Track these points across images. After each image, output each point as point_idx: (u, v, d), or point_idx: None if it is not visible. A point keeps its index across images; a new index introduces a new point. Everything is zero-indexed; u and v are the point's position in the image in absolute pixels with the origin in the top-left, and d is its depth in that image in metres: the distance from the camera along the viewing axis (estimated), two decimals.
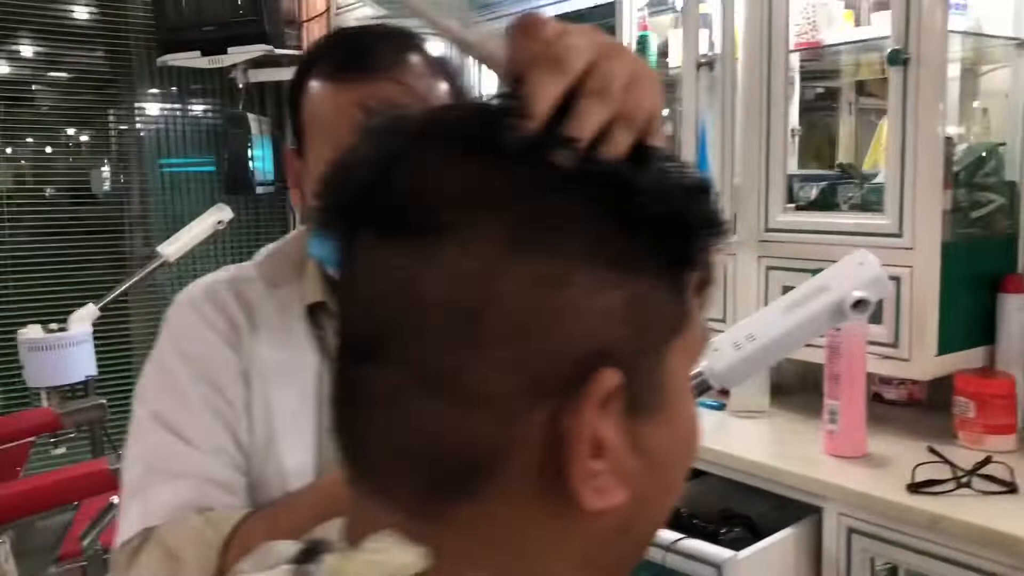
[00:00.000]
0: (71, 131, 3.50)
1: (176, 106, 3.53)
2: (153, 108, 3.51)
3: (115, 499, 1.93)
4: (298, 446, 0.98)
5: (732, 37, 2.06)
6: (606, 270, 0.43)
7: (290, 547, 0.50)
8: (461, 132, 0.45)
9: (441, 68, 0.99)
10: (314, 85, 0.98)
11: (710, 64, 2.04)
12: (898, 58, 1.73)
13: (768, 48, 1.99)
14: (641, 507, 0.47)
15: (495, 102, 0.46)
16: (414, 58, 0.98)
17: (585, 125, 0.44)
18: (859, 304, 1.49)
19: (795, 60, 2.06)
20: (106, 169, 3.51)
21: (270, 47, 3.13)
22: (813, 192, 1.98)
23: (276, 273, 1.06)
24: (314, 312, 1.04)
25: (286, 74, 3.32)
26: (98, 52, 3.39)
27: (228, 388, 0.99)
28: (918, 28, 1.72)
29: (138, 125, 3.49)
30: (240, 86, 3.24)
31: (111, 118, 3.51)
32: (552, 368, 0.42)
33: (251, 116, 3.24)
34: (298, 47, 3.35)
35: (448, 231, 0.42)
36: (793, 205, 2.02)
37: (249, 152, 3.21)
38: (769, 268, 2.03)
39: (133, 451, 0.99)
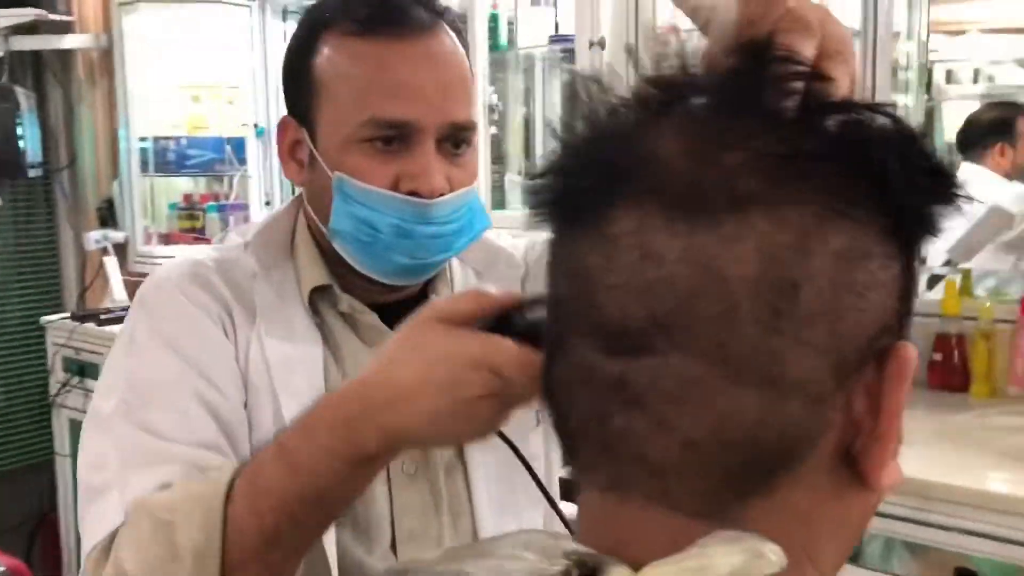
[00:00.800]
0: None
1: None
2: None
3: None
4: None
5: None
6: (889, 242, 0.41)
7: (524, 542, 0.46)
8: (729, 98, 0.41)
9: (452, 22, 0.95)
10: (335, 43, 0.90)
11: (601, 44, 2.04)
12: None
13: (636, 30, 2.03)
14: None
15: (747, 65, 0.42)
16: (437, 14, 0.93)
17: (839, 88, 0.44)
18: None
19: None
20: None
21: (40, 11, 2.79)
22: None
23: (266, 255, 0.96)
24: (313, 298, 0.96)
25: (55, 43, 2.98)
26: None
27: (223, 380, 0.89)
28: None
29: None
30: (0, 55, 2.84)
31: None
32: (855, 347, 0.41)
33: (18, 89, 2.85)
34: (68, 12, 3.00)
35: (756, 204, 0.39)
36: None
37: (19, 130, 2.82)
38: None
39: (97, 449, 0.86)
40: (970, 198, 0.43)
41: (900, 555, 1.69)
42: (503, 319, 0.67)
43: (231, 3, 2.91)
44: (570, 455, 0.46)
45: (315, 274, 0.96)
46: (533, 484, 0.96)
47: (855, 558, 1.60)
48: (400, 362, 0.69)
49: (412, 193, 0.88)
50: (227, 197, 3.05)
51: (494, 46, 2.23)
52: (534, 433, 1.01)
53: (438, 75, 0.89)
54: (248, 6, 2.93)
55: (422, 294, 0.99)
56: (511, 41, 2.34)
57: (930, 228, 0.43)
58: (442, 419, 0.68)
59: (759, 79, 0.41)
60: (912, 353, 0.42)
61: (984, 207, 2.03)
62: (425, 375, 0.67)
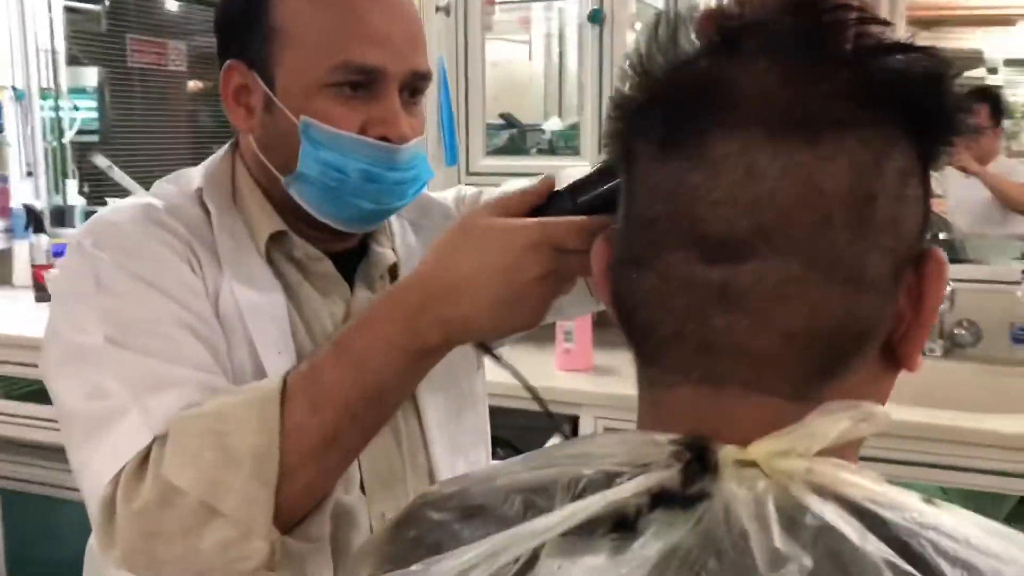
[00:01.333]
0: None
1: None
2: None
3: None
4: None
5: None
6: (919, 164, 0.49)
7: (570, 471, 0.50)
8: (814, 39, 0.47)
9: None
10: None
11: (447, 9, 2.09)
12: (596, 17, 1.98)
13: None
14: None
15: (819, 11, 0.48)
16: None
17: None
18: None
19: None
20: None
21: None
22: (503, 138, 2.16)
23: (213, 202, 0.95)
24: (267, 246, 0.95)
25: None
26: None
27: (203, 311, 0.88)
28: None
29: None
30: None
31: None
32: (906, 250, 0.48)
33: None
34: None
35: (847, 127, 0.46)
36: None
37: None
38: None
39: (90, 379, 0.83)
40: (980, 131, 0.56)
41: None
42: (545, 207, 0.75)
43: None
44: (649, 360, 0.52)
45: (268, 222, 0.95)
46: (478, 423, 1.08)
47: None
48: (459, 252, 0.73)
49: (381, 138, 0.89)
50: None
51: None
52: (476, 375, 1.09)
53: (405, 24, 0.92)
54: None
55: (362, 246, 1.01)
56: None
57: (947, 156, 0.51)
58: (501, 305, 0.72)
59: (835, 22, 0.47)
60: (944, 255, 0.50)
61: None
62: (485, 262, 0.71)
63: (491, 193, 1.06)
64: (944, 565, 0.43)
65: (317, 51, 0.89)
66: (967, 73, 3.30)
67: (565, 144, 2.05)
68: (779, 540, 0.43)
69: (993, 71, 3.28)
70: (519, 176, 2.03)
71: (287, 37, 0.90)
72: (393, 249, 1.03)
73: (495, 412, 1.14)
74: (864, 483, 0.46)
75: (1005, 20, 3.12)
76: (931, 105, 0.47)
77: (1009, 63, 3.24)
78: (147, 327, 0.84)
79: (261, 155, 0.95)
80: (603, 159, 0.66)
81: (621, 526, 0.46)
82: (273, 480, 0.74)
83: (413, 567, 0.49)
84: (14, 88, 2.67)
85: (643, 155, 0.50)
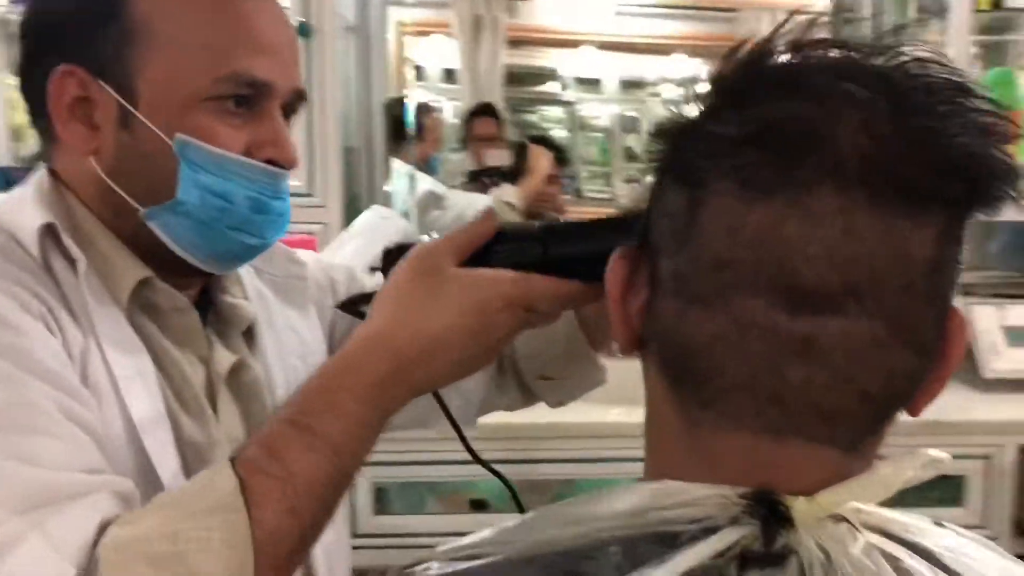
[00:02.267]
0: None
1: None
2: None
3: None
4: (168, 453, 0.75)
5: None
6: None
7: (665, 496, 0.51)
8: (921, 93, 0.47)
9: None
10: None
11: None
12: (305, 31, 1.86)
13: None
14: None
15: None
16: None
17: None
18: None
19: None
20: None
21: None
22: None
23: (59, 243, 0.76)
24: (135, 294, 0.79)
25: None
26: None
27: (75, 387, 0.70)
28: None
29: None
30: None
31: None
32: (947, 311, 0.50)
33: None
34: None
35: (936, 198, 0.47)
36: None
37: None
38: None
39: None
40: (1018, 198, 0.50)
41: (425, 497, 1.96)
42: (511, 246, 0.72)
43: None
44: (701, 404, 0.51)
45: (131, 267, 0.79)
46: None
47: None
48: (428, 309, 0.69)
49: (268, 162, 0.79)
50: None
51: None
52: None
53: (289, 36, 0.82)
54: None
55: (203, 293, 0.86)
56: None
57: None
58: (468, 364, 0.71)
59: (938, 88, 0.47)
60: (963, 313, 0.52)
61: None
62: (459, 323, 0.69)
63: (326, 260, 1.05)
64: None
65: (197, 58, 0.76)
66: (542, 88, 3.64)
67: None
68: None
69: (565, 87, 3.67)
70: None
71: (153, 39, 0.75)
72: (245, 297, 0.90)
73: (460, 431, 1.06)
74: (896, 516, 0.51)
75: (573, 43, 3.50)
76: (993, 188, 0.48)
77: (578, 81, 3.64)
78: (22, 417, 0.64)
79: (110, 182, 0.77)
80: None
81: None
82: None
83: None
84: None
85: (721, 192, 0.49)
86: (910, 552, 0.50)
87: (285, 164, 0.80)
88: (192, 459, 0.78)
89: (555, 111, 3.74)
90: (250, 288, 0.91)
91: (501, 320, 0.69)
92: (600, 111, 3.84)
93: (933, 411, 0.52)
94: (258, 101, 0.78)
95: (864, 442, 0.51)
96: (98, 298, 0.76)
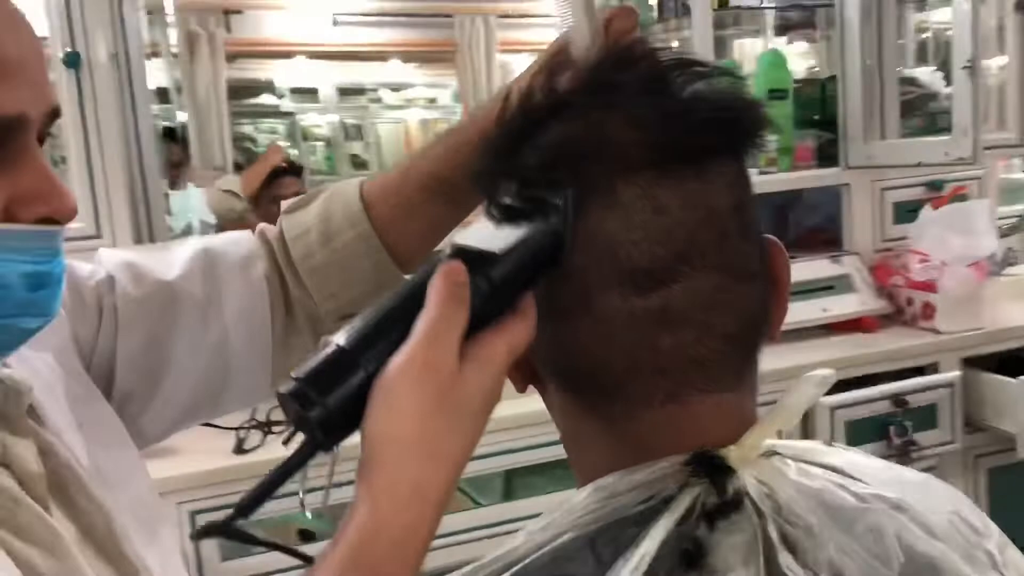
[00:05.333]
0: None
1: None
2: None
3: None
4: None
5: None
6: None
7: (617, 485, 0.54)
8: (650, 81, 0.56)
9: None
10: None
11: None
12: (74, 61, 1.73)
13: None
14: None
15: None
16: None
17: None
18: None
19: None
20: None
21: None
22: None
23: None
24: None
25: None
26: None
27: None
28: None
29: None
30: None
31: None
32: (763, 242, 0.58)
33: None
34: None
35: (715, 153, 0.55)
36: None
37: None
38: None
39: None
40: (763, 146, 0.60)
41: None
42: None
43: None
44: (605, 399, 0.56)
45: None
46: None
47: None
48: (456, 440, 0.54)
49: (42, 221, 0.59)
50: None
51: None
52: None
53: (32, 41, 0.60)
54: None
55: None
56: None
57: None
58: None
59: (663, 70, 0.56)
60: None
61: None
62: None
63: (79, 269, 0.82)
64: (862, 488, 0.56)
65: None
66: (256, 100, 3.59)
67: None
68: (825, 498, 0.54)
69: (282, 97, 3.64)
70: None
71: None
72: (4, 364, 0.66)
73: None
74: (803, 444, 0.61)
75: (287, 54, 3.49)
76: (745, 128, 0.57)
77: (294, 91, 3.63)
78: None
79: None
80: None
81: (693, 556, 0.51)
82: None
83: None
84: None
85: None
86: (825, 470, 0.56)
87: (62, 218, 0.59)
88: None
89: (275, 123, 3.69)
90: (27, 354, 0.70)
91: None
92: (320, 120, 3.83)
93: None
94: (9, 141, 0.57)
95: (743, 377, 0.57)
96: None
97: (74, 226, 1.76)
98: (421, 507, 0.52)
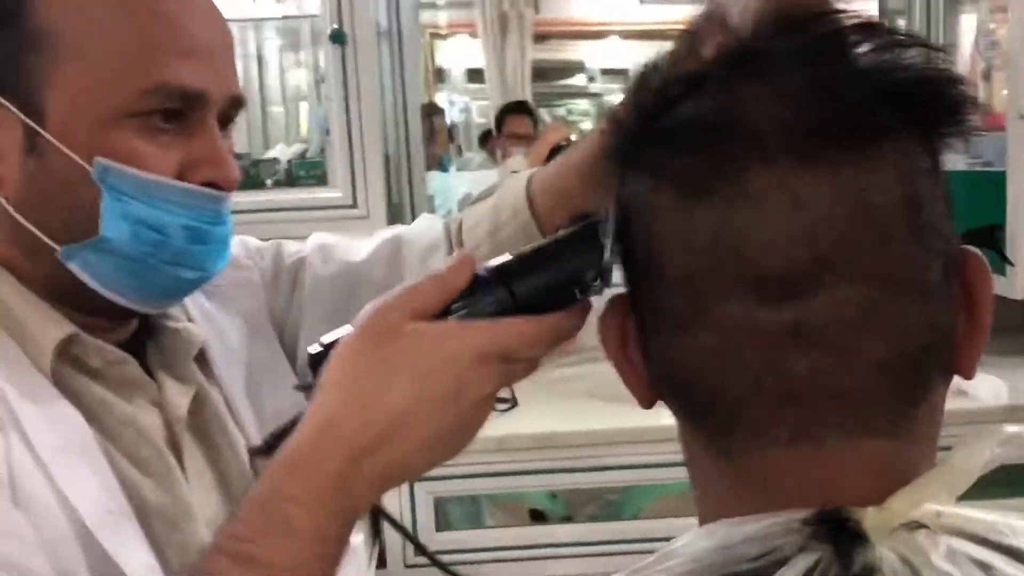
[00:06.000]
0: None
1: None
2: None
3: None
4: (131, 544, 0.65)
5: None
6: (937, 163, 0.47)
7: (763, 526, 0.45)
8: (806, 49, 0.46)
9: None
10: None
11: None
12: (340, 37, 1.82)
13: None
14: None
15: (818, 25, 0.47)
16: None
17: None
18: None
19: None
20: None
21: None
22: None
23: None
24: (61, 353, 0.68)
25: None
26: None
27: None
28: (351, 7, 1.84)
29: None
30: None
31: None
32: (952, 251, 0.46)
33: None
34: None
35: (880, 135, 0.44)
36: None
37: None
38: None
39: None
40: (980, 131, 0.61)
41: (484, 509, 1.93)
42: (473, 298, 0.59)
43: None
44: (723, 430, 0.47)
45: (50, 326, 0.67)
46: None
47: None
48: (383, 382, 0.55)
49: (206, 184, 0.68)
50: None
51: None
52: None
53: (224, 35, 0.71)
54: None
55: (143, 327, 0.75)
56: None
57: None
58: (446, 438, 0.56)
59: (836, 34, 0.45)
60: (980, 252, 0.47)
61: None
62: (424, 390, 0.55)
63: (288, 246, 0.90)
64: None
65: (115, 67, 0.64)
66: (570, 81, 3.61)
67: (306, 174, 1.86)
68: None
69: (592, 79, 3.63)
70: (258, 212, 1.83)
71: (61, 46, 0.64)
72: (189, 318, 0.78)
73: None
74: (980, 516, 0.44)
75: (599, 35, 3.46)
76: (945, 105, 0.45)
77: (605, 72, 3.60)
78: None
79: (20, 218, 0.66)
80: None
81: None
82: None
83: None
84: None
85: (664, 206, 0.46)
86: (1003, 556, 0.43)
87: (225, 185, 0.68)
88: (162, 529, 0.68)
89: (583, 104, 3.70)
90: (192, 307, 0.79)
91: (476, 378, 0.55)
92: None
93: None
94: (190, 114, 0.66)
95: (907, 421, 0.45)
96: (15, 371, 0.64)
97: (332, 195, 1.88)
98: (322, 439, 0.55)
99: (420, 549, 0.74)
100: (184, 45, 0.66)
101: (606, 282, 0.55)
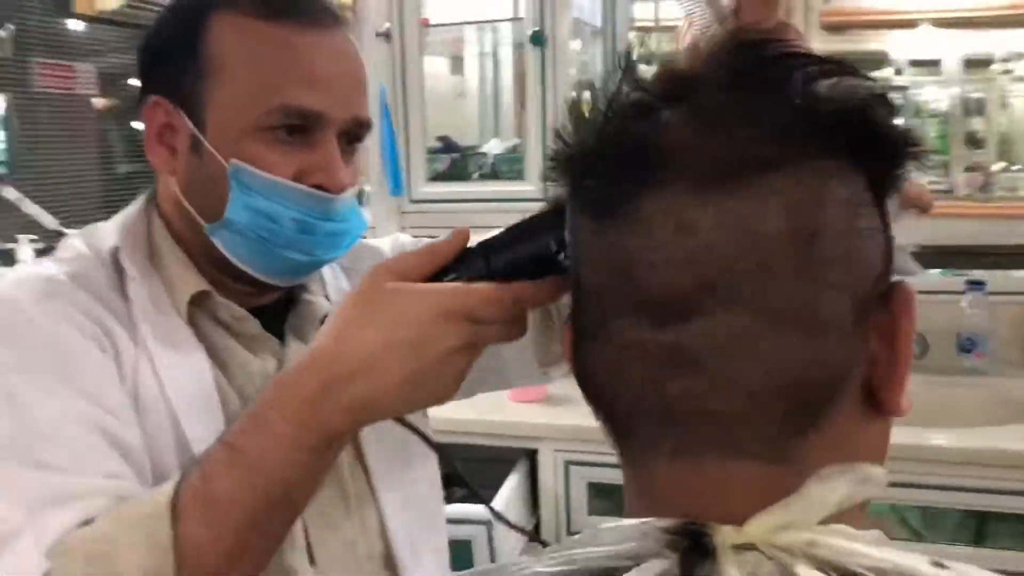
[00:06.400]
0: None
1: None
2: None
3: None
4: (205, 435, 0.80)
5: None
6: (870, 194, 0.47)
7: (609, 533, 0.48)
8: (735, 75, 0.47)
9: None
10: (236, 23, 0.85)
11: (387, 35, 2.02)
12: (538, 39, 1.95)
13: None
14: None
15: (736, 40, 0.48)
16: (335, 9, 0.91)
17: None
18: None
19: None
20: None
21: None
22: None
23: (132, 261, 0.88)
24: (188, 308, 0.88)
25: None
26: None
27: (114, 404, 0.79)
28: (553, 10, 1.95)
29: None
30: None
31: None
32: (868, 285, 0.46)
33: None
34: None
35: (773, 168, 0.44)
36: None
37: None
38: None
39: None
40: (929, 155, 0.50)
41: None
42: (455, 268, 0.69)
43: None
44: (622, 437, 0.50)
45: (189, 282, 0.89)
46: (428, 468, 1.04)
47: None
48: (360, 326, 0.67)
49: (317, 187, 0.84)
50: None
51: None
52: (421, 418, 1.02)
53: (348, 68, 0.87)
54: None
55: (288, 297, 0.96)
56: None
57: (898, 182, 0.49)
58: (412, 381, 0.66)
59: (757, 63, 0.47)
60: (912, 288, 0.48)
61: None
62: (392, 336, 0.66)
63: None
64: None
65: (253, 91, 0.83)
66: (874, 73, 3.38)
67: (508, 168, 2.01)
68: None
69: (899, 72, 3.37)
70: (462, 203, 2.02)
71: (222, 73, 0.84)
72: (326, 296, 0.97)
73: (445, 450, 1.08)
74: (869, 552, 0.44)
75: (908, 23, 3.21)
76: (870, 134, 0.46)
77: (914, 64, 3.33)
78: (47, 432, 0.74)
79: (184, 200, 0.88)
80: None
81: None
82: None
83: None
84: None
85: (582, 225, 0.50)
86: None
87: (332, 189, 0.85)
88: None
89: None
90: (333, 288, 0.99)
91: (440, 332, 0.65)
92: (940, 94, 3.51)
93: None
94: (312, 130, 0.84)
95: (792, 450, 0.46)
96: (160, 310, 0.86)
97: (526, 188, 2.01)
98: (304, 366, 0.69)
99: (477, 497, 0.86)
100: (306, 75, 0.83)
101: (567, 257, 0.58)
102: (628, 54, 0.54)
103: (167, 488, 0.70)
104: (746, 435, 0.45)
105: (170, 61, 0.87)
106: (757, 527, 0.44)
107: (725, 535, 0.44)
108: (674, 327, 0.45)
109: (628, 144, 0.47)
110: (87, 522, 0.70)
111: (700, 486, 0.47)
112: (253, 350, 0.91)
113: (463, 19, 2.23)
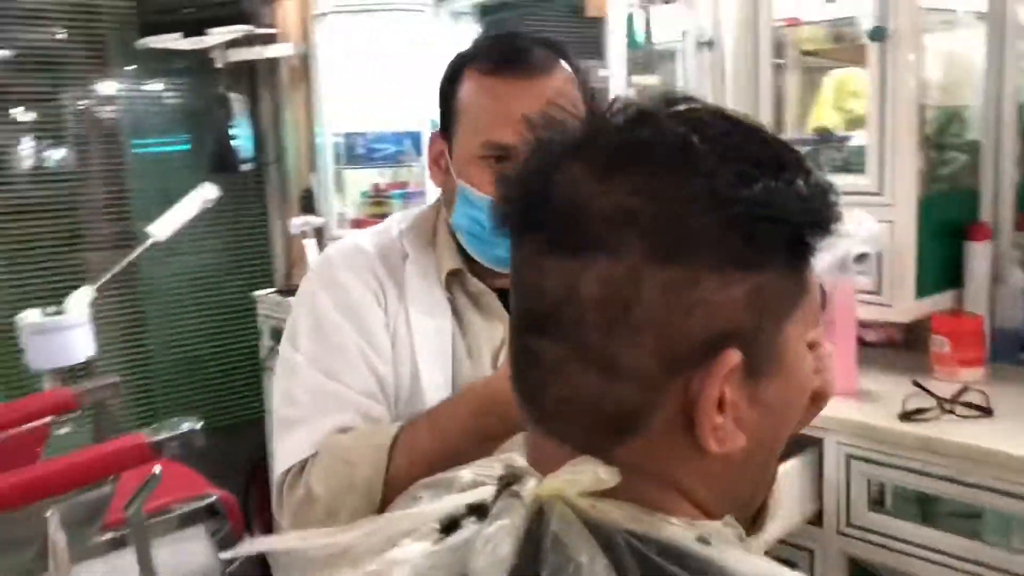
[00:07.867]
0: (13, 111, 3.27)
1: (147, 86, 3.50)
2: (123, 88, 3.44)
3: (157, 469, 2.01)
4: (437, 379, 1.19)
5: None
6: (732, 270, 0.54)
7: (467, 475, 0.72)
8: (608, 147, 0.56)
9: (581, 75, 1.20)
10: (472, 77, 1.17)
11: (709, 43, 2.19)
12: (879, 34, 1.90)
13: (755, 25, 2.16)
14: (758, 446, 0.59)
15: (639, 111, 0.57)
16: (563, 64, 1.15)
17: None
18: (860, 257, 1.67)
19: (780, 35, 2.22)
20: (31, 145, 3.30)
21: (250, 27, 3.18)
22: None
23: (415, 243, 1.25)
24: (449, 280, 1.23)
25: (263, 52, 3.36)
26: (60, 34, 3.30)
27: (379, 342, 1.18)
28: (896, 4, 1.89)
29: (104, 105, 3.42)
30: (219, 66, 3.27)
31: (68, 98, 3.36)
32: (685, 349, 0.54)
33: (232, 95, 3.28)
34: (271, 25, 3.39)
35: (601, 245, 0.54)
36: None
37: (230, 131, 3.26)
38: None
39: (289, 388, 1.17)
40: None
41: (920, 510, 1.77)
42: None
43: (409, 9, 3.17)
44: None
45: (450, 260, 1.23)
46: None
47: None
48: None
49: None
50: (410, 185, 3.32)
51: (631, 43, 2.38)
52: None
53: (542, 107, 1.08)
54: (423, 10, 3.18)
55: None
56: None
57: (800, 253, 0.57)
58: None
59: (632, 133, 0.56)
60: (732, 358, 0.54)
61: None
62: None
63: None
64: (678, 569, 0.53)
65: (473, 130, 1.16)
66: None
67: (855, 160, 1.99)
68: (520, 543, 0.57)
69: None
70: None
71: (461, 116, 1.18)
72: None
73: None
74: (639, 515, 0.56)
75: None
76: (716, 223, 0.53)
77: None
78: (337, 353, 1.16)
79: (443, 205, 1.26)
80: None
81: (450, 527, 0.64)
82: (376, 504, 1.05)
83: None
84: (433, 120, 3.06)
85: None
86: (600, 544, 0.55)
87: None
88: (461, 385, 1.19)
89: None
90: None
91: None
92: None
93: None
94: (512, 159, 1.09)
95: (604, 446, 0.57)
96: (427, 280, 1.22)
97: (861, 182, 1.97)
98: (485, 386, 1.10)
99: None
100: (504, 116, 1.12)
101: None
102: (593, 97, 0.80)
103: (393, 429, 1.09)
104: (562, 428, 0.59)
105: (443, 106, 1.22)
106: (550, 482, 0.57)
107: (531, 481, 0.59)
108: (533, 335, 0.58)
109: (533, 190, 0.58)
110: (343, 429, 1.12)
111: (538, 450, 0.61)
112: (487, 317, 1.23)
113: None
